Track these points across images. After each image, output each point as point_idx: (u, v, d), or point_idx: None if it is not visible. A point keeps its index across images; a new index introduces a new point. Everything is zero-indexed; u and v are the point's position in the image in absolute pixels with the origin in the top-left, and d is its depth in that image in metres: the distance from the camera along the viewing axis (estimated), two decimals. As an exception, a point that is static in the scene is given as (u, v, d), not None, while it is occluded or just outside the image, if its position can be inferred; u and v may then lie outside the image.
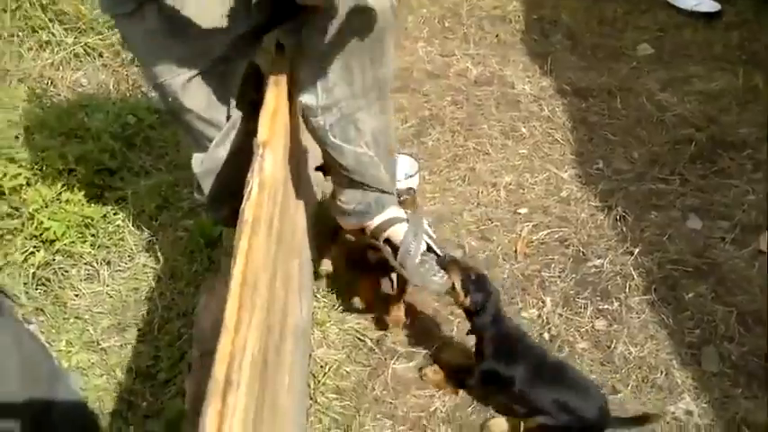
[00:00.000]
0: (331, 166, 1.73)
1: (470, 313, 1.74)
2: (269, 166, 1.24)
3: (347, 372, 1.95)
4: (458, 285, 1.71)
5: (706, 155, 2.69)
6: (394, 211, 1.80)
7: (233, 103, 1.65)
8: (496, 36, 3.47)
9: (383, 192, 1.76)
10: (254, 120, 1.49)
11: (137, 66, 3.19)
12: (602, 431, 1.69)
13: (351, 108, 1.53)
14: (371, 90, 1.52)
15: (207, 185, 1.80)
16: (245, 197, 1.15)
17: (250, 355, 0.96)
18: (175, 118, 1.67)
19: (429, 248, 1.80)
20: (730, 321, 2.05)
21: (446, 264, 1.73)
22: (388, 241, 1.80)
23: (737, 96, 2.97)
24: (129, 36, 1.53)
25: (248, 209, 1.12)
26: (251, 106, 1.65)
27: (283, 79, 1.57)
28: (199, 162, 1.78)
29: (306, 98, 1.53)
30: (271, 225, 1.22)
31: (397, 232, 1.78)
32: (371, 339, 2.04)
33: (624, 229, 2.40)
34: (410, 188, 2.15)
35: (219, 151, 1.72)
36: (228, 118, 1.68)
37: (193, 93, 1.56)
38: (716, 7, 3.48)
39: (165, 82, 1.53)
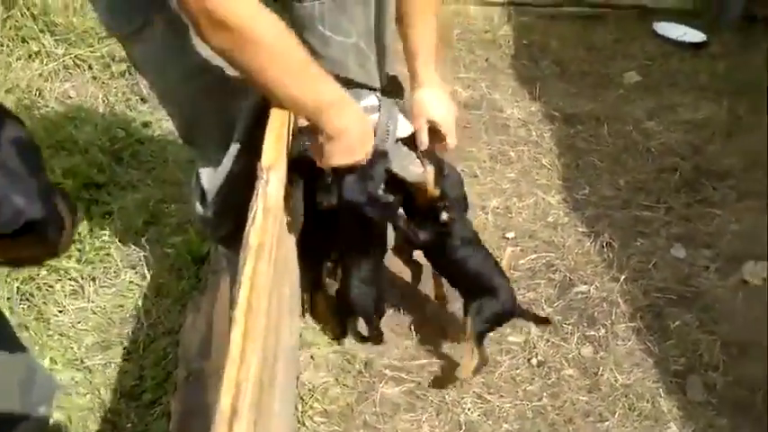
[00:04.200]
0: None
1: (431, 208, 1.77)
2: (273, 190, 1.23)
3: (335, 395, 1.94)
4: (430, 177, 1.73)
5: (690, 184, 2.73)
6: (371, 99, 1.73)
7: (243, 111, 1.64)
8: (486, 60, 3.50)
9: (368, 88, 1.71)
10: (261, 130, 1.48)
11: (126, 79, 3.18)
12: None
13: None
14: None
15: (215, 199, 1.79)
16: (248, 221, 1.15)
17: (251, 383, 0.95)
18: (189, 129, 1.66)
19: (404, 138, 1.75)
20: (714, 350, 2.07)
21: (423, 155, 1.74)
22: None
23: (722, 126, 3.03)
24: (138, 54, 1.53)
25: (253, 234, 1.12)
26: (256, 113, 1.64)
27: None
28: (208, 174, 1.76)
29: None
30: (271, 250, 1.21)
31: (373, 120, 1.70)
32: (360, 362, 2.03)
33: (610, 255, 2.42)
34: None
35: (228, 166, 1.71)
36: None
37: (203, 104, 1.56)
38: (702, 38, 3.56)
39: (178, 94, 1.52)
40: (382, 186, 1.70)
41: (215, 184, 1.78)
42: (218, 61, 1.49)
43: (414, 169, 1.74)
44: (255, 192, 1.22)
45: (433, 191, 1.75)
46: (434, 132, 1.73)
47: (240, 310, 0.99)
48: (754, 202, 2.64)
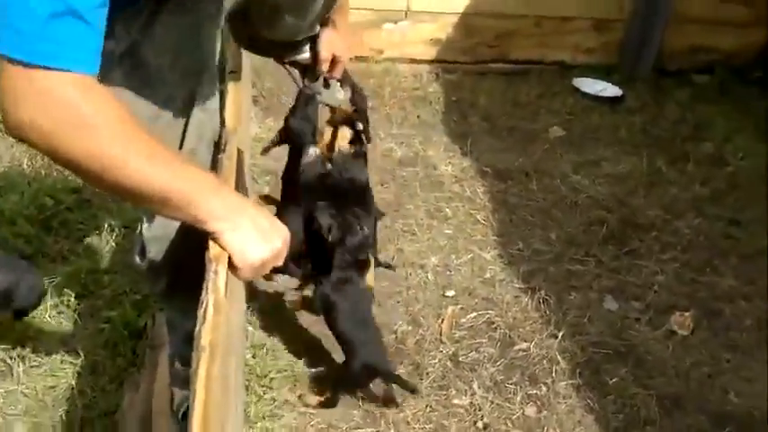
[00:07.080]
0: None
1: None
2: (223, 282, 1.20)
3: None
4: (348, 96, 2.08)
5: (617, 236, 2.86)
6: (305, 50, 1.95)
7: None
8: (418, 117, 3.58)
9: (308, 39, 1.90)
10: None
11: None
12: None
13: None
14: None
15: (153, 250, 1.75)
16: (199, 319, 1.11)
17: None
18: None
19: None
20: (651, 405, 2.15)
21: (343, 78, 2.05)
22: (295, 63, 2.00)
23: (643, 179, 3.19)
24: None
25: (205, 333, 1.08)
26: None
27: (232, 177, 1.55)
28: (148, 226, 1.73)
29: None
30: (224, 344, 1.18)
31: (303, 56, 1.98)
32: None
33: (547, 311, 2.49)
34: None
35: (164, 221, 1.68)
36: None
37: None
38: (618, 92, 3.76)
39: None
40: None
41: (151, 238, 1.76)
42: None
43: (338, 95, 2.09)
44: (205, 285, 1.19)
45: (350, 108, 2.10)
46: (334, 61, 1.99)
47: (197, 421, 0.96)
48: (676, 253, 2.79)
